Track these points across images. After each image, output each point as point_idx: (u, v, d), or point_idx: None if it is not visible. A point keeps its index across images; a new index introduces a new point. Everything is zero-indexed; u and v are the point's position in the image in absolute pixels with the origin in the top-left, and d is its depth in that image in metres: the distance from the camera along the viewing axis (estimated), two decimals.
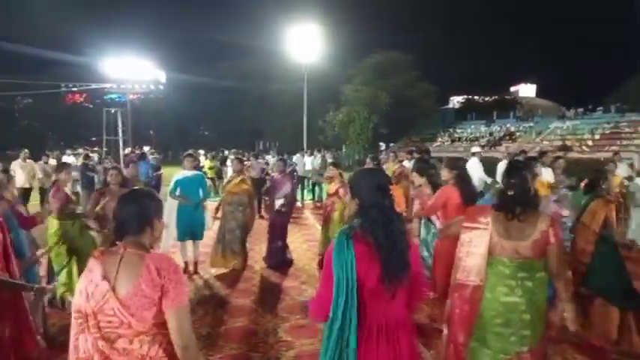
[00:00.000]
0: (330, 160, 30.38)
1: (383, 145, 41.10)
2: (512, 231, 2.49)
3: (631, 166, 11.27)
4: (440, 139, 40.55)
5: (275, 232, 6.72)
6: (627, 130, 29.67)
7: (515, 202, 2.50)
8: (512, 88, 72.85)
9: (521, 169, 2.61)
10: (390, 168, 9.44)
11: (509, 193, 2.54)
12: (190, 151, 6.67)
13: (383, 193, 1.91)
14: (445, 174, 4.24)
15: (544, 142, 32.98)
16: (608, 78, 64.53)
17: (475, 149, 10.67)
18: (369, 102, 36.15)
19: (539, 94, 70.73)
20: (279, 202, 6.71)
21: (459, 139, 38.77)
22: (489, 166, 9.09)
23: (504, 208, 2.53)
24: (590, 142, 29.80)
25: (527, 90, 72.82)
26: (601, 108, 35.29)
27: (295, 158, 14.73)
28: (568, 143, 30.72)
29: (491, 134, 36.88)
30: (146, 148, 24.22)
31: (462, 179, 4.08)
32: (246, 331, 4.44)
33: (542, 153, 6.74)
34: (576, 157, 25.26)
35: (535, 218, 2.48)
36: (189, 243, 6.40)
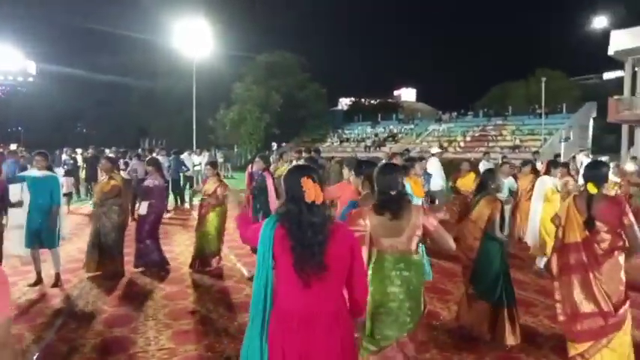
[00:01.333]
0: (220, 160, 29.74)
1: (275, 145, 41.28)
2: (390, 229, 2.68)
3: (495, 165, 12.54)
4: (330, 140, 41.74)
5: (142, 230, 6.37)
6: (493, 132, 33.02)
7: (390, 202, 2.70)
8: (396, 92, 77.25)
9: (392, 171, 2.80)
10: (278, 168, 9.51)
11: (383, 195, 2.72)
12: (42, 150, 5.90)
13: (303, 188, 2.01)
14: (346, 173, 4.52)
15: (423, 143, 35.53)
16: (477, 86, 71.48)
17: (435, 150, 11.32)
18: (261, 102, 36.13)
19: (418, 98, 75.91)
20: (145, 204, 6.36)
21: (348, 139, 40.26)
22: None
23: (380, 209, 2.71)
24: (462, 144, 32.65)
25: (408, 94, 77.76)
26: (471, 112, 38.80)
27: (183, 157, 14.22)
28: (444, 144, 33.41)
29: (376, 135, 38.76)
30: (13, 146, 21.84)
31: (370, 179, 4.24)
32: (124, 340, 4.18)
33: (403, 153, 7.23)
34: (450, 157, 27.57)
35: (408, 214, 2.68)
36: (46, 252, 5.77)
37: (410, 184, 4.90)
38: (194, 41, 27.84)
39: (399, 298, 2.67)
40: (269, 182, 6.04)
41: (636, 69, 25.36)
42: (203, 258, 6.47)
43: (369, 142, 36.79)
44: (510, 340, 3.98)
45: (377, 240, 2.71)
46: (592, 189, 3.35)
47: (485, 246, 4.07)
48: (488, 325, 4.04)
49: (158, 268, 6.40)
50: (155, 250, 6.46)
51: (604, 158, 10.42)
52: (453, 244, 2.81)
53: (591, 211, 3.30)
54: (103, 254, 6.07)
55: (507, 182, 8.58)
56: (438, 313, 4.88)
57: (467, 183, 8.57)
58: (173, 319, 4.69)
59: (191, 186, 14.06)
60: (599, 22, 25.31)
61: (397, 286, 2.66)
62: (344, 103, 66.36)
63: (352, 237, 2.11)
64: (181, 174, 13.31)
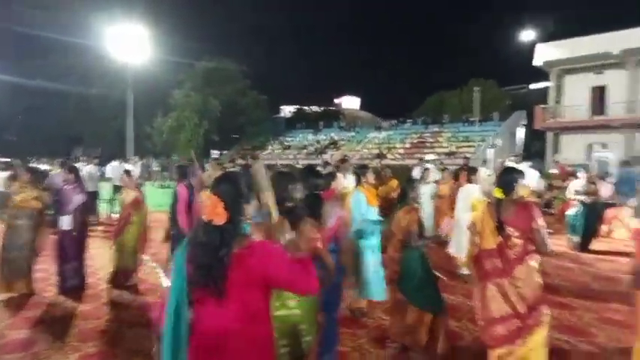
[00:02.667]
0: (157, 169, 28.57)
1: (215, 153, 40.54)
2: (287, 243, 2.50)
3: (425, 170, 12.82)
4: (271, 147, 41.49)
5: (67, 250, 5.83)
6: (430, 140, 34.03)
7: (289, 214, 2.48)
8: (338, 100, 78.06)
9: (288, 181, 2.61)
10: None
11: (287, 205, 2.54)
12: None
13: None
14: None
15: (364, 151, 36.04)
16: (416, 94, 73.81)
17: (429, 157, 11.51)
18: (200, 108, 35.31)
19: (361, 106, 77.12)
20: (67, 217, 5.81)
21: (289, 147, 40.16)
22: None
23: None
24: (401, 151, 33.38)
25: (350, 102, 78.75)
26: (410, 120, 39.81)
27: (110, 166, 13.51)
28: (384, 151, 34.03)
29: (318, 142, 38.91)
30: None
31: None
32: None
33: (343, 160, 7.21)
34: (390, 163, 28.11)
35: (303, 228, 2.48)
36: None
37: (364, 193, 4.82)
38: (129, 46, 26.79)
39: (295, 320, 2.54)
40: (181, 196, 5.69)
41: (560, 80, 26.97)
42: (123, 272, 6.08)
43: (311, 150, 36.86)
44: (439, 346, 3.95)
45: None
46: (499, 194, 3.42)
47: (405, 256, 4.04)
48: (425, 333, 3.98)
49: (82, 288, 5.94)
50: (79, 272, 5.96)
51: (528, 164, 10.89)
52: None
53: (501, 217, 3.35)
54: (12, 272, 5.57)
55: (430, 188, 8.77)
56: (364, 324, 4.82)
57: (389, 190, 8.65)
58: (82, 341, 4.34)
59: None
60: (527, 35, 26.74)
61: (292, 308, 2.54)
62: (287, 110, 66.31)
63: (265, 260, 1.88)
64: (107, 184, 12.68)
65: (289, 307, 2.54)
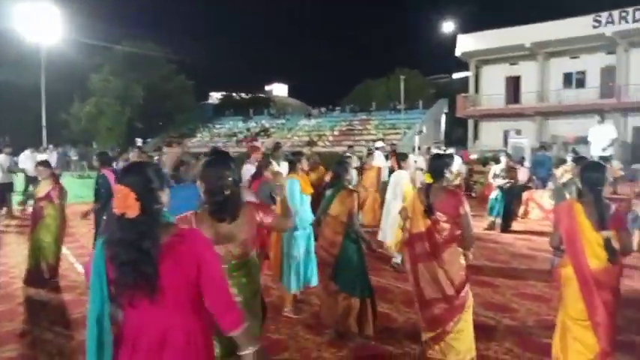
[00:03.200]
0: (75, 158, 26.84)
1: (140, 141, 38.80)
2: (224, 235, 2.39)
3: (360, 158, 13.04)
4: (199, 135, 40.36)
5: None
6: (359, 127, 34.64)
7: (226, 205, 2.38)
8: (268, 87, 77.27)
9: (223, 166, 2.44)
10: None
11: (217, 197, 2.40)
12: None
13: None
14: None
15: (294, 138, 36.02)
16: (345, 82, 74.68)
17: (379, 144, 11.14)
18: (121, 94, 33.49)
19: (290, 93, 76.89)
20: None
21: (219, 134, 39.29)
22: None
23: (218, 213, 2.40)
24: (330, 138, 33.72)
25: (280, 89, 78.24)
26: (339, 108, 40.26)
27: (23, 156, 12.49)
28: (314, 139, 34.21)
29: (248, 130, 38.36)
30: None
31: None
32: None
33: (276, 147, 7.09)
34: (320, 150, 28.32)
35: (243, 214, 2.44)
36: None
37: (299, 181, 4.72)
38: (40, 25, 24.72)
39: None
40: (112, 181, 5.39)
41: (479, 69, 28.40)
42: (39, 270, 5.64)
43: (240, 137, 36.28)
44: (370, 329, 4.03)
45: None
46: (429, 179, 3.53)
47: (345, 240, 4.04)
48: (355, 319, 4.01)
49: None
50: None
51: (451, 150, 11.37)
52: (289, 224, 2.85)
53: (430, 201, 3.45)
54: None
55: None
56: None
57: (320, 176, 8.70)
58: None
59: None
60: (448, 26, 27.83)
61: (235, 294, 2.45)
62: (215, 97, 64.64)
63: (199, 248, 1.80)
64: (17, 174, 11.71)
65: (233, 293, 2.45)
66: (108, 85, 33.72)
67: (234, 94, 60.02)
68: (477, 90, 28.29)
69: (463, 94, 28.66)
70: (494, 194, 9.27)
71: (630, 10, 21.40)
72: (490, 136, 27.10)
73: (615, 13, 21.78)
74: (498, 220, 9.17)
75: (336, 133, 34.78)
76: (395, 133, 30.32)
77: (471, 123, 28.46)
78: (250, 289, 2.50)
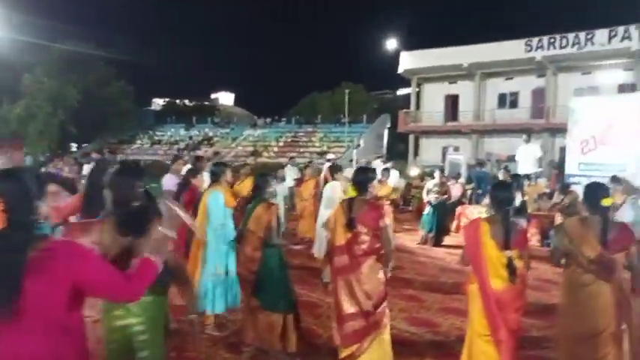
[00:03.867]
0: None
1: (74, 146, 37.02)
2: (124, 249, 2.22)
3: (301, 170, 12.97)
4: (139, 142, 39.06)
5: None
6: (304, 139, 34.79)
7: (132, 218, 2.24)
8: (214, 95, 76.20)
9: (133, 177, 2.34)
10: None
11: (122, 209, 2.26)
12: None
13: None
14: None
15: (239, 148, 35.60)
16: (291, 93, 74.98)
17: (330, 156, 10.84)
18: (54, 96, 31.78)
19: (237, 102, 76.17)
20: None
21: (160, 142, 38.19)
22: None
23: (123, 227, 2.25)
24: (275, 149, 33.63)
25: (226, 98, 77.40)
26: (284, 119, 40.28)
27: None
28: (259, 149, 33.96)
29: (190, 138, 37.55)
30: None
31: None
32: None
33: (199, 157, 6.80)
34: (265, 161, 28.13)
35: (151, 232, 2.26)
36: None
37: (223, 193, 4.54)
38: None
39: (137, 330, 2.30)
40: None
41: (420, 87, 29.30)
42: None
43: (182, 145, 35.40)
44: (293, 346, 3.91)
45: None
46: (352, 192, 3.53)
47: (265, 255, 3.90)
48: (277, 336, 3.87)
49: None
50: None
51: (389, 164, 11.56)
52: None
53: (352, 214, 3.44)
54: None
55: (283, 187, 8.73)
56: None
57: (243, 189, 8.59)
58: None
59: None
60: (391, 43, 28.52)
61: (135, 316, 2.29)
62: (157, 103, 62.86)
63: (73, 263, 1.63)
64: None
65: (126, 314, 2.28)
66: (41, 86, 31.93)
67: (177, 101, 58.65)
68: (418, 107, 29.15)
69: (404, 110, 29.46)
70: (427, 209, 9.49)
71: (557, 36, 22.85)
72: (430, 151, 27.96)
73: (545, 39, 23.17)
74: (431, 235, 9.38)
75: (281, 144, 34.73)
76: (339, 146, 30.65)
77: (411, 138, 29.23)
78: (153, 311, 2.34)
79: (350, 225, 3.42)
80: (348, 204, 3.51)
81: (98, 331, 2.37)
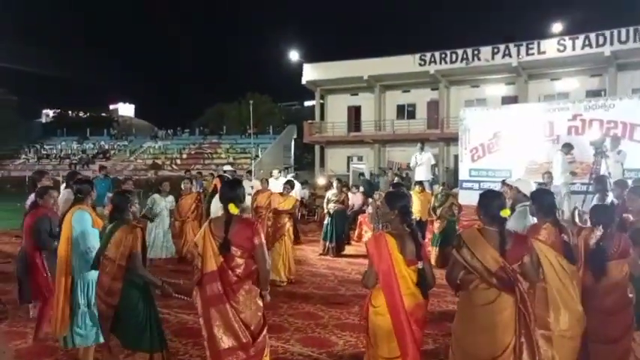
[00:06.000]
0: None
1: None
2: None
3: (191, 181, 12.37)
4: (24, 156, 35.64)
5: None
6: (209, 150, 33.80)
7: None
8: (112, 106, 71.95)
9: None
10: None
11: None
12: None
13: None
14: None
15: (138, 161, 33.69)
16: (195, 105, 72.99)
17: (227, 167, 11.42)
18: None
19: (137, 114, 72.43)
20: None
21: (48, 156, 35.13)
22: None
23: None
24: (178, 161, 32.30)
25: (126, 109, 73.34)
26: (188, 130, 38.94)
27: None
28: (160, 162, 32.38)
29: (84, 151, 34.97)
30: None
31: None
32: None
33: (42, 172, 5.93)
34: (167, 174, 26.82)
35: None
36: None
37: (90, 214, 3.98)
38: None
39: None
40: None
41: (324, 98, 29.71)
42: None
43: (75, 159, 32.82)
44: None
45: None
46: (233, 210, 3.17)
47: (126, 287, 3.38)
48: None
49: None
50: None
51: (290, 175, 11.39)
52: None
53: (228, 235, 3.10)
54: None
55: (167, 201, 8.22)
56: None
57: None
58: None
59: None
60: (294, 55, 28.66)
61: None
62: (48, 114, 57.98)
63: None
64: None
65: None
66: None
67: (70, 112, 54.54)
68: (322, 117, 29.52)
69: (309, 121, 29.69)
70: (327, 219, 9.42)
71: (448, 52, 24.31)
72: (335, 161, 28.38)
73: (437, 54, 24.53)
74: (332, 245, 9.30)
75: (184, 156, 33.49)
76: (245, 157, 30.15)
77: (317, 149, 29.50)
78: None
79: (223, 247, 3.07)
80: (221, 223, 3.16)
81: None
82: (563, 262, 3.33)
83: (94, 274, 3.82)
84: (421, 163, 11.93)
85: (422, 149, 12.23)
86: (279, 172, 11.58)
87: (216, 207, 6.35)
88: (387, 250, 2.90)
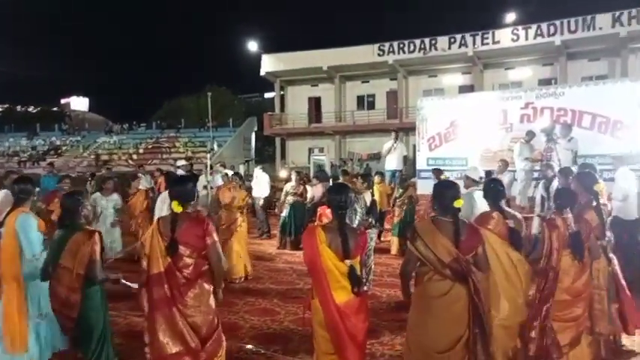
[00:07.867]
0: None
1: None
2: None
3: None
4: None
5: None
6: (166, 145, 32.91)
7: None
8: (64, 100, 69.11)
9: None
10: None
11: None
12: None
13: None
14: None
15: (92, 156, 32.49)
16: (152, 98, 71.09)
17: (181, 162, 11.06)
18: None
19: (92, 108, 69.85)
20: None
21: None
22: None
23: None
24: (135, 156, 31.31)
25: (79, 103, 70.58)
26: (144, 124, 37.81)
27: None
28: (115, 157, 31.32)
29: (34, 148, 33.46)
30: None
31: None
32: None
33: (9, 172, 5.77)
34: (123, 170, 25.94)
35: None
36: None
37: (34, 217, 3.66)
38: None
39: None
40: None
41: (284, 89, 29.44)
42: None
43: (24, 157, 31.38)
44: None
45: None
46: (177, 208, 3.02)
47: (86, 298, 3.18)
48: None
49: None
50: None
51: (229, 170, 10.99)
52: None
53: (175, 234, 2.95)
54: None
55: (110, 200, 7.80)
56: None
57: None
58: None
59: None
60: (252, 46, 28.21)
61: None
62: None
63: None
64: None
65: None
66: None
67: (18, 108, 52.05)
68: (283, 109, 29.26)
69: (270, 113, 29.38)
70: (285, 212, 9.30)
71: (406, 42, 24.47)
72: (296, 153, 28.21)
73: (395, 44, 24.66)
74: (290, 239, 9.19)
75: (141, 151, 32.49)
76: (204, 151, 29.50)
77: (278, 141, 29.26)
78: None
79: (170, 248, 2.91)
80: (168, 222, 3.01)
81: None
82: (510, 251, 3.35)
83: (43, 284, 3.52)
84: (394, 152, 12.07)
85: (396, 139, 12.34)
86: (222, 166, 11.40)
87: (160, 205, 6.05)
88: (316, 243, 2.89)
